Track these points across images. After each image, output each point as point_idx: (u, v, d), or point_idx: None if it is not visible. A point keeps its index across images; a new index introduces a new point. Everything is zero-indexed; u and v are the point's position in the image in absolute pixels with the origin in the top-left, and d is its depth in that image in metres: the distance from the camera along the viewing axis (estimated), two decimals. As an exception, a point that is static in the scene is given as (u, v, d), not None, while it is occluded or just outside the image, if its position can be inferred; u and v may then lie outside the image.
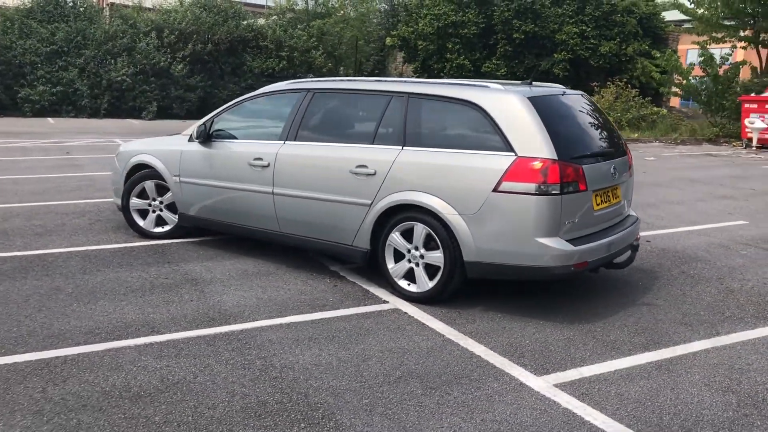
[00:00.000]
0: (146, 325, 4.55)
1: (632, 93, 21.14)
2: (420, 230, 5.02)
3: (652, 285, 5.75)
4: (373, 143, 5.31)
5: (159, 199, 6.72)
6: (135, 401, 3.52)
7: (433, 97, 5.18)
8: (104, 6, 28.52)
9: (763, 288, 5.75)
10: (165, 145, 6.71)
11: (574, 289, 5.56)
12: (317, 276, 5.74)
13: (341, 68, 29.75)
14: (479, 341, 4.43)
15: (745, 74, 21.08)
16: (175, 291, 5.26)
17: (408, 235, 5.13)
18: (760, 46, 21.46)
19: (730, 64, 20.39)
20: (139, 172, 6.76)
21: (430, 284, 5.03)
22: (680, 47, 27.40)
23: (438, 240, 4.93)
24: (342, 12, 29.97)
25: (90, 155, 13.57)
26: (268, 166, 5.75)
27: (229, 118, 6.33)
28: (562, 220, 4.66)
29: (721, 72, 20.13)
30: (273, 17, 28.98)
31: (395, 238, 5.16)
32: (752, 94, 18.87)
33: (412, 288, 5.14)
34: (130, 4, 27.17)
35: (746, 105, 17.94)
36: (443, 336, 4.50)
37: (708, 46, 20.64)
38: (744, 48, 21.98)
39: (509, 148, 4.71)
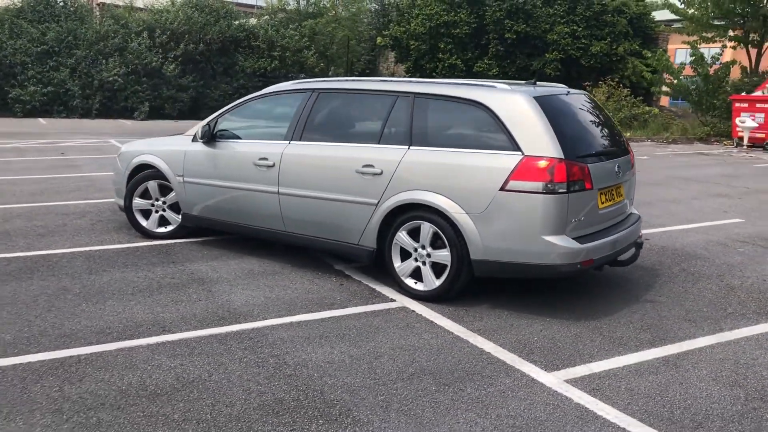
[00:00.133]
0: (157, 325, 4.58)
1: (624, 92, 21.29)
2: (427, 229, 5.07)
3: (653, 282, 5.83)
4: (379, 143, 5.35)
5: (162, 199, 6.73)
6: (152, 399, 3.55)
7: (439, 97, 5.23)
8: (94, 6, 28.39)
9: (763, 284, 5.84)
10: (168, 145, 6.72)
11: (578, 287, 5.63)
12: (323, 275, 5.77)
13: (332, 68, 29.78)
14: (488, 338, 4.48)
15: (734, 74, 21.26)
16: (183, 290, 5.28)
17: (414, 234, 5.17)
18: (749, 45, 21.66)
19: (720, 63, 20.55)
20: (142, 173, 6.76)
21: (437, 282, 5.08)
22: (670, 47, 27.60)
23: (445, 239, 4.98)
24: (334, 12, 30.00)
25: (85, 156, 13.54)
26: (273, 166, 5.78)
27: (233, 118, 6.35)
28: (569, 218, 4.72)
29: (711, 71, 20.30)
30: (265, 17, 28.97)
31: (402, 237, 5.21)
32: (743, 94, 19.04)
33: (419, 286, 5.18)
34: (121, 3, 27.10)
35: (737, 104, 18.11)
36: (452, 333, 4.55)
37: (698, 46, 20.82)
38: (734, 48, 22.17)
39: (516, 147, 4.76)
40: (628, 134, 20.01)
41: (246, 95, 23.80)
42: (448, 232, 4.95)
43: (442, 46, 25.84)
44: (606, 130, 5.52)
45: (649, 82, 22.59)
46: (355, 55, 31.16)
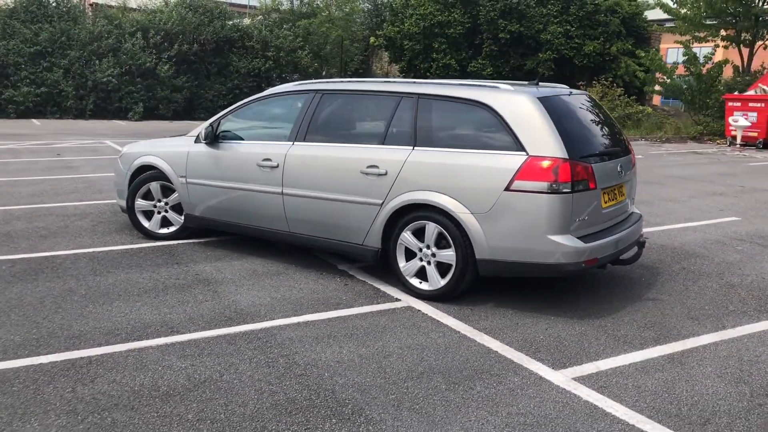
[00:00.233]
0: (165, 326, 4.60)
1: (618, 92, 21.40)
2: (432, 229, 5.10)
3: (654, 281, 5.88)
4: (383, 144, 5.38)
5: (164, 200, 6.75)
6: (165, 400, 3.57)
7: (443, 98, 5.27)
8: (86, 6, 28.31)
9: (762, 282, 5.90)
10: (170, 146, 6.73)
11: (580, 286, 5.68)
12: (327, 275, 5.80)
13: (325, 68, 29.81)
14: (494, 337, 4.52)
15: (726, 73, 21.40)
16: (189, 291, 5.30)
17: (419, 234, 5.21)
18: (741, 45, 21.80)
19: (713, 63, 20.69)
20: (144, 174, 6.77)
21: (442, 282, 5.12)
22: (661, 46, 27.76)
23: (450, 239, 5.01)
24: (327, 12, 30.03)
25: (82, 157, 13.51)
26: (277, 166, 5.80)
27: (235, 120, 6.37)
28: (573, 217, 4.77)
29: (704, 71, 20.43)
30: (258, 17, 28.96)
31: (407, 237, 5.24)
32: (736, 93, 19.17)
33: (424, 286, 5.22)
34: (115, 4, 27.04)
35: (730, 103, 18.24)
36: (459, 332, 4.59)
37: (690, 46, 20.95)
38: (725, 47, 22.32)
39: (520, 147, 4.80)
40: (622, 133, 20.10)
41: (240, 96, 23.92)
42: (453, 232, 4.98)
43: (436, 46, 25.91)
44: (608, 130, 5.57)
45: (642, 81, 22.72)
46: (349, 55, 31.19)
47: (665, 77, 21.33)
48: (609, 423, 3.45)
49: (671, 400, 3.71)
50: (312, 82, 6.24)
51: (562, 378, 3.94)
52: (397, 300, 5.21)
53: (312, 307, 5.01)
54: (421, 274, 5.25)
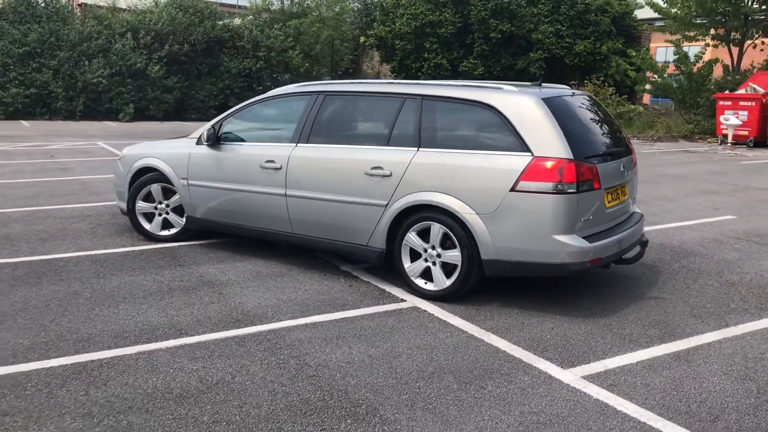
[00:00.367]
0: (173, 328, 4.60)
1: (609, 91, 21.51)
2: (437, 230, 5.13)
3: (656, 279, 5.94)
4: (387, 145, 5.41)
5: (165, 202, 6.74)
6: (179, 402, 3.58)
7: (447, 99, 5.30)
8: (75, 6, 28.15)
9: (762, 280, 5.97)
10: (171, 148, 6.73)
11: (582, 285, 5.72)
12: (331, 276, 5.82)
13: (316, 68, 29.78)
14: (502, 336, 4.56)
15: (716, 72, 21.56)
16: (194, 293, 5.31)
17: (424, 234, 5.23)
18: (731, 44, 21.98)
19: (703, 62, 20.84)
20: (145, 176, 6.76)
21: (448, 282, 5.15)
22: (651, 45, 27.92)
23: (455, 239, 5.04)
24: (318, 12, 30.01)
25: (75, 158, 13.45)
26: (280, 168, 5.81)
27: (237, 121, 6.38)
28: (578, 217, 4.81)
29: (694, 70, 20.58)
30: (249, 17, 28.90)
31: (411, 237, 5.27)
32: (726, 92, 19.33)
33: (429, 286, 5.25)
34: (104, 4, 26.90)
35: (721, 102, 18.39)
36: (466, 332, 4.62)
37: (681, 45, 21.10)
38: (715, 46, 22.49)
39: (525, 148, 4.84)
40: (614, 132, 20.20)
41: (231, 96, 23.72)
42: (459, 232, 5.01)
43: (428, 46, 25.94)
44: (609, 130, 5.62)
45: (633, 80, 22.85)
46: (339, 55, 31.19)
47: (656, 76, 21.46)
48: (621, 421, 3.49)
49: (680, 398, 3.76)
50: (314, 84, 6.26)
51: (571, 377, 3.98)
52: (403, 300, 5.23)
53: (318, 308, 5.03)
54: (426, 274, 5.27)
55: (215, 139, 6.27)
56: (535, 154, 4.80)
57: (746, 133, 17.75)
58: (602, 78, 23.11)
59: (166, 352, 4.21)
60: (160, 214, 6.80)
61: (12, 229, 7.27)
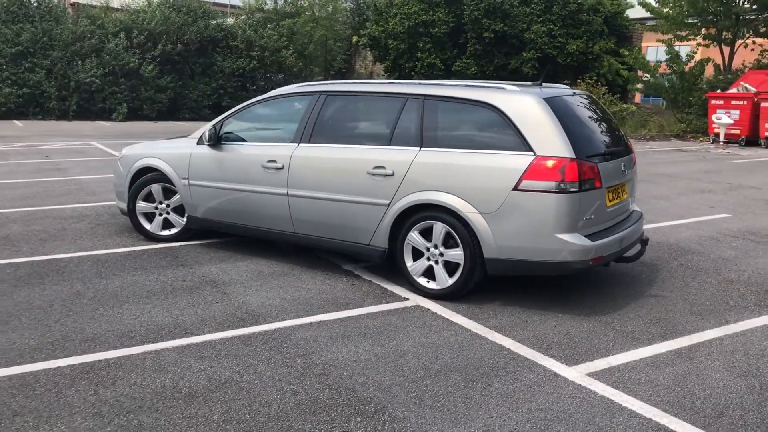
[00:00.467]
0: (178, 327, 4.61)
1: (602, 90, 21.61)
2: (439, 229, 5.16)
3: (655, 277, 5.99)
4: (389, 144, 5.43)
5: (166, 202, 6.74)
6: (189, 401, 3.60)
7: (449, 99, 5.33)
8: (67, 6, 28.03)
9: (759, 278, 6.03)
10: (172, 148, 6.73)
11: (582, 283, 5.77)
12: (333, 275, 5.84)
13: (309, 68, 29.77)
14: (506, 335, 4.59)
15: (708, 72, 21.68)
16: (198, 293, 5.32)
17: (426, 233, 5.26)
18: (722, 44, 22.12)
19: (695, 61, 20.96)
20: (146, 176, 6.76)
21: (450, 281, 5.18)
22: (642, 45, 28.06)
23: (458, 238, 5.07)
24: (311, 12, 30.00)
25: (70, 158, 13.41)
26: (282, 168, 5.83)
27: (238, 121, 6.39)
28: (580, 216, 4.85)
29: (686, 69, 20.70)
30: (242, 17, 28.87)
31: (414, 236, 5.29)
32: (718, 91, 19.46)
33: (432, 285, 5.28)
34: (97, 4, 26.80)
35: (713, 101, 18.51)
36: (470, 331, 4.66)
37: (673, 44, 21.22)
38: (706, 46, 22.62)
39: (528, 147, 4.88)
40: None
41: (225, 96, 23.70)
42: (461, 231, 5.05)
43: (421, 46, 26.00)
44: (610, 130, 5.67)
45: (625, 79, 22.97)
46: (332, 55, 31.20)
47: (649, 75, 21.58)
48: (627, 417, 3.53)
49: (684, 394, 3.80)
50: (315, 84, 6.28)
51: (576, 374, 4.02)
52: (406, 299, 5.26)
53: (322, 307, 5.05)
54: (429, 273, 5.30)
55: (216, 139, 6.28)
56: (537, 154, 4.84)
57: (738, 132, 17.88)
58: (595, 77, 23.23)
59: (172, 351, 4.23)
60: (160, 214, 6.80)
61: (11, 229, 7.26)
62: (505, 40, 25.49)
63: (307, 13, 30.11)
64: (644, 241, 5.58)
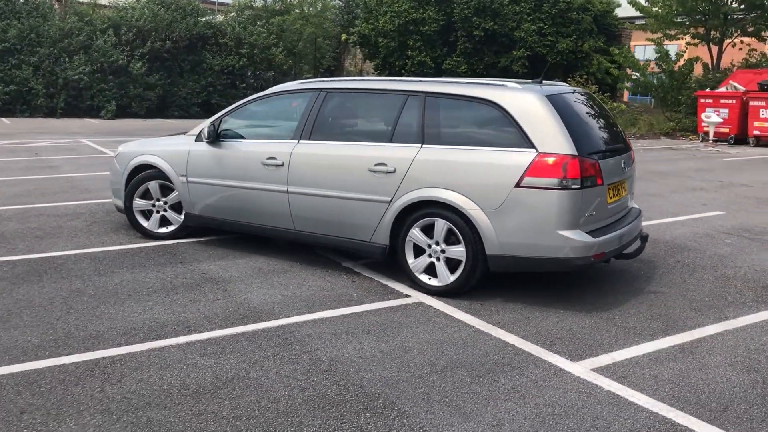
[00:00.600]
0: (181, 325, 4.60)
1: (592, 89, 21.69)
2: (441, 226, 5.17)
3: (653, 274, 6.04)
4: (391, 141, 5.44)
5: (163, 199, 6.71)
6: (197, 398, 3.59)
7: (451, 96, 5.34)
8: (54, 2, 27.78)
9: (755, 274, 6.09)
10: (170, 145, 6.70)
11: (581, 280, 5.80)
12: (333, 272, 5.84)
13: (299, 65, 29.71)
14: (509, 331, 4.61)
15: (696, 71, 21.83)
16: (198, 290, 5.30)
17: (428, 230, 5.27)
18: (711, 43, 22.28)
19: (684, 60, 21.11)
20: (143, 173, 6.73)
21: (452, 278, 5.19)
22: (630, 44, 28.21)
23: (460, 235, 5.09)
24: (300, 9, 29.94)
25: (60, 156, 13.31)
26: (282, 165, 5.82)
27: (237, 118, 6.37)
28: (582, 213, 4.88)
29: (676, 68, 20.84)
30: (232, 14, 28.75)
31: (415, 233, 5.30)
32: (708, 90, 19.60)
33: (434, 282, 5.29)
34: (84, 0, 26.58)
35: (702, 100, 18.65)
36: (473, 327, 4.67)
37: (662, 43, 21.35)
38: (695, 45, 22.77)
39: (530, 144, 4.90)
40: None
41: (214, 93, 23.54)
42: (463, 228, 5.06)
43: (411, 44, 25.97)
44: (610, 127, 5.70)
45: (614, 78, 23.07)
46: (322, 53, 31.15)
47: (638, 74, 21.70)
48: (634, 411, 3.56)
49: (688, 389, 3.83)
50: (315, 81, 6.28)
51: (581, 369, 4.04)
52: (407, 296, 5.27)
53: (324, 304, 5.05)
54: (430, 270, 5.31)
55: (215, 136, 6.26)
56: (539, 151, 4.86)
57: (727, 130, 18.02)
58: (585, 76, 23.30)
59: (177, 348, 4.21)
60: (158, 212, 6.77)
61: (6, 227, 7.20)
62: (495, 39, 25.51)
63: (296, 10, 30.04)
64: (644, 238, 5.62)
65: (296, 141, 5.84)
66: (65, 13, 25.12)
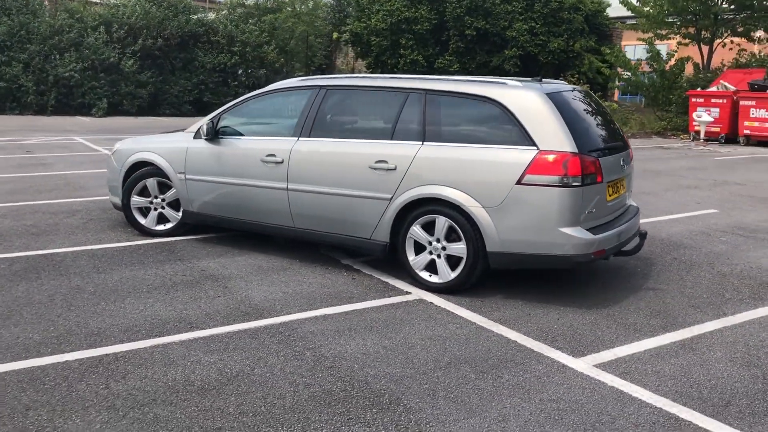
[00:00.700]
0: (183, 321, 4.59)
1: (584, 88, 21.78)
2: (442, 223, 5.18)
3: (650, 271, 6.07)
4: (391, 139, 5.44)
5: (161, 196, 6.69)
6: (202, 394, 3.59)
7: (451, 94, 5.35)
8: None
9: (751, 271, 6.14)
10: (168, 142, 6.68)
11: (581, 277, 5.83)
12: (333, 269, 5.84)
13: (290, 63, 29.66)
14: (511, 327, 4.63)
15: (687, 70, 21.94)
16: (199, 287, 5.29)
17: (428, 227, 5.28)
18: (701, 43, 22.41)
19: (675, 60, 21.21)
20: (141, 170, 6.71)
21: (453, 275, 5.21)
22: (621, 43, 28.34)
23: (461, 232, 5.10)
24: (292, 7, 29.89)
25: (53, 153, 13.23)
26: (282, 162, 5.82)
27: (236, 116, 6.35)
28: (583, 210, 4.90)
29: (667, 68, 20.95)
30: (223, 12, 28.67)
31: (416, 231, 5.31)
32: (699, 89, 19.72)
33: (434, 279, 5.30)
34: (76, -4, 26.43)
35: (693, 99, 18.75)
36: (475, 324, 4.69)
37: (653, 43, 21.46)
38: (685, 45, 22.89)
39: (531, 142, 4.92)
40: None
41: (206, 91, 23.45)
42: (465, 225, 5.08)
43: (404, 42, 26.03)
44: (608, 125, 5.74)
45: (605, 77, 23.17)
46: (313, 51, 31.12)
47: (630, 73, 21.81)
48: (638, 407, 3.58)
49: (690, 384, 3.87)
50: (314, 78, 6.28)
51: (584, 365, 4.06)
52: (408, 293, 5.28)
53: (325, 301, 5.06)
54: (431, 267, 5.33)
55: (214, 133, 6.24)
56: (540, 148, 4.88)
57: (718, 129, 18.13)
58: (576, 75, 23.42)
59: (180, 345, 4.21)
60: (155, 209, 6.75)
61: (1, 224, 7.15)
62: (487, 38, 25.60)
63: (288, 8, 29.98)
64: (643, 235, 5.66)
65: (296, 138, 5.83)
66: (56, 10, 24.98)
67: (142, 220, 6.78)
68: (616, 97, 29.71)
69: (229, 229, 6.64)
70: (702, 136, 18.25)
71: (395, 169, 5.31)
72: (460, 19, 25.20)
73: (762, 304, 5.28)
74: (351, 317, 4.75)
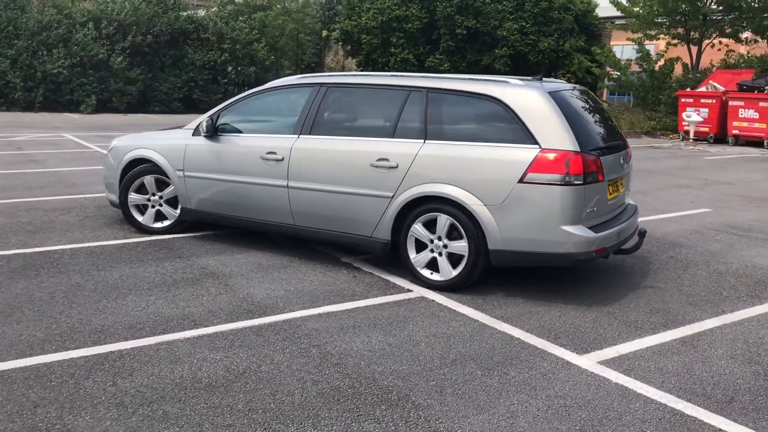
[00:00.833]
0: (186, 319, 4.58)
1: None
2: (444, 221, 5.20)
3: (648, 269, 6.13)
4: (393, 137, 5.46)
5: (159, 194, 6.67)
6: (210, 391, 3.58)
7: (453, 92, 5.37)
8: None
9: (747, 270, 6.21)
10: (166, 139, 6.65)
11: (580, 275, 5.87)
12: (333, 267, 5.85)
13: (280, 61, 29.58)
14: (513, 325, 4.66)
15: (676, 71, 22.10)
16: (200, 285, 5.28)
17: (430, 225, 5.30)
18: (690, 43, 22.58)
19: (665, 60, 21.35)
20: (138, 167, 6.68)
21: (454, 273, 5.23)
22: (610, 43, 28.48)
23: (462, 230, 5.12)
24: (282, 5, 29.82)
25: (44, 150, 13.12)
26: (282, 159, 5.81)
27: (235, 113, 6.34)
28: (584, 208, 4.94)
29: (657, 68, 21.09)
30: (213, 9, 28.54)
31: (417, 228, 5.33)
32: (688, 89, 19.87)
33: (436, 276, 5.32)
34: (64, -8, 26.21)
35: (683, 99, 18.90)
36: (478, 321, 4.71)
37: (643, 43, 21.60)
38: (674, 45, 23.05)
39: (533, 141, 4.95)
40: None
41: (196, 88, 23.30)
42: (466, 223, 5.10)
43: (394, 41, 25.99)
44: (608, 124, 5.78)
45: (595, 77, 23.29)
46: (303, 49, 31.05)
47: (620, 73, 21.93)
48: (643, 403, 3.62)
49: (694, 381, 3.91)
50: (314, 76, 6.28)
51: (588, 362, 4.10)
52: (409, 291, 5.30)
53: (328, 299, 5.06)
54: (432, 265, 5.35)
55: (213, 131, 6.22)
56: (542, 147, 4.91)
57: (707, 129, 18.28)
58: (566, 75, 23.52)
59: (185, 342, 4.20)
60: (153, 206, 6.72)
61: (-4, 221, 7.11)
62: (478, 37, 25.63)
63: (278, 6, 29.89)
64: (642, 233, 5.71)
65: (296, 136, 5.83)
66: (44, 6, 24.76)
67: (139, 218, 6.75)
68: (604, 97, 29.87)
69: (228, 226, 6.63)
70: (691, 135, 18.40)
71: (397, 167, 5.32)
72: (450, 18, 25.21)
73: (759, 302, 5.34)
74: (354, 315, 4.76)
